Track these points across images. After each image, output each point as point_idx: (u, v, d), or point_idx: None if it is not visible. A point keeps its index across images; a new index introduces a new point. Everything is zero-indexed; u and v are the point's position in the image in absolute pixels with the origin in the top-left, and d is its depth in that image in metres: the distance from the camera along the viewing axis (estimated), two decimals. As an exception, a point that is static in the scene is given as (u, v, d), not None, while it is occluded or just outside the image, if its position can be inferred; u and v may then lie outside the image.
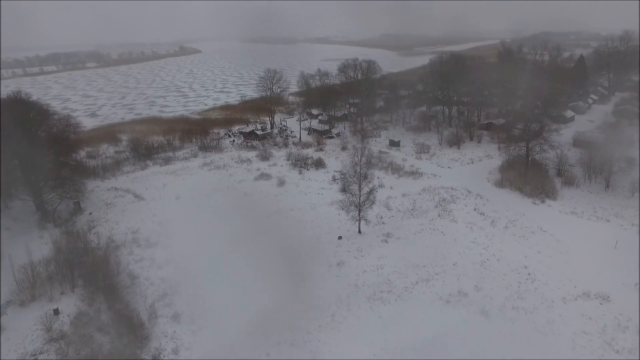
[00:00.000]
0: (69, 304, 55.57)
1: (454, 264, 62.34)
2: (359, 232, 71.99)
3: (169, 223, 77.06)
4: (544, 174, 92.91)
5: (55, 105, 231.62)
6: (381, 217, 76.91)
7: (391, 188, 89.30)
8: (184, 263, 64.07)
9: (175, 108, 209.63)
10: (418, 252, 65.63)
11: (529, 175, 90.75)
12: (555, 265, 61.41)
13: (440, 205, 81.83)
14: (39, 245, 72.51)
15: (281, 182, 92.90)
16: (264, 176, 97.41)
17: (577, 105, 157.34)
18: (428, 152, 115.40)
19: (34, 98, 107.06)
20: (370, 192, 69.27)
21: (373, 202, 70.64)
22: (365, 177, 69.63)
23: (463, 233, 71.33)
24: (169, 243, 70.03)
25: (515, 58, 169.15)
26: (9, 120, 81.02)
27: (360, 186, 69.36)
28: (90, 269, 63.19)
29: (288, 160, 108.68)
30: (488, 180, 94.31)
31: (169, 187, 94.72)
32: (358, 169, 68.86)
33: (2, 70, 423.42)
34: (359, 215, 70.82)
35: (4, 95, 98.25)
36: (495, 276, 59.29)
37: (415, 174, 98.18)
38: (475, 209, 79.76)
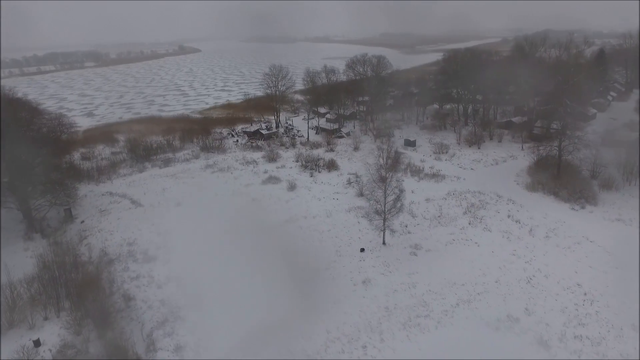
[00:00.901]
0: (52, 333, 47.56)
1: (496, 282, 54.35)
2: (384, 243, 64.02)
3: (169, 233, 69.05)
4: (578, 175, 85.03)
5: (51, 105, 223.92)
6: (406, 226, 68.92)
7: (412, 192, 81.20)
8: (187, 281, 56.02)
9: (175, 107, 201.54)
10: (453, 267, 57.67)
11: (563, 178, 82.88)
12: (613, 283, 53.47)
13: (470, 211, 73.86)
14: (23, 259, 64.58)
15: (292, 186, 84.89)
16: (273, 179, 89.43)
17: (598, 102, 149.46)
18: (447, 152, 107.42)
19: (22, 96, 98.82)
20: (398, 198, 61.17)
21: (400, 210, 62.53)
22: (390, 180, 61.46)
23: (500, 244, 63.36)
24: (169, 257, 61.99)
25: (527, 54, 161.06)
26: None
27: (385, 192, 61.33)
28: (78, 289, 55.28)
29: (297, 161, 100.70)
30: (517, 183, 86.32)
31: (169, 191, 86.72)
32: (383, 172, 60.76)
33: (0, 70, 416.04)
34: (384, 224, 62.84)
35: None
36: (547, 296, 51.31)
37: (436, 176, 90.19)
38: (509, 216, 71.76)
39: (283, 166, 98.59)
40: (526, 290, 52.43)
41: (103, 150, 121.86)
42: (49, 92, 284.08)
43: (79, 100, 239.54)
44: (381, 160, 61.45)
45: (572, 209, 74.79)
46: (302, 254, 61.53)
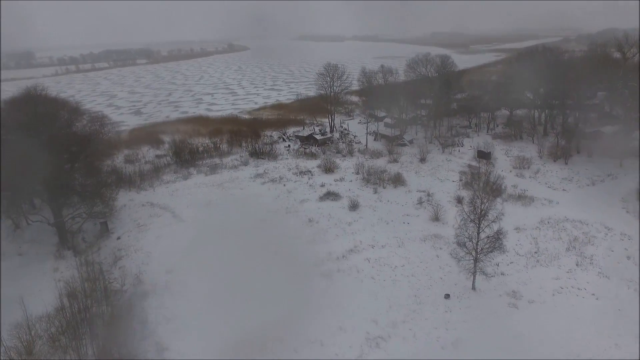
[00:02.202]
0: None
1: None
2: (473, 288, 51.62)
3: (214, 260, 59.19)
4: None
5: (101, 102, 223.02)
6: (497, 264, 56.05)
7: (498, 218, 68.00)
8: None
9: (223, 106, 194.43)
10: (569, 329, 44.61)
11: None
12: None
13: (574, 247, 60.11)
14: (50, 283, 56.48)
15: (354, 205, 73.45)
16: (331, 195, 78.34)
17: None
18: (529, 167, 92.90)
19: (55, 94, 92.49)
20: (497, 238, 48.53)
21: (495, 249, 49.78)
22: (486, 213, 48.90)
23: (627, 298, 49.59)
24: (211, 295, 51.91)
25: (624, 55, 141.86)
26: (21, 119, 65.78)
27: (479, 227, 48.91)
28: (106, 329, 46.32)
29: (358, 173, 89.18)
30: (627, 211, 71.33)
31: (214, 205, 77.23)
32: (479, 202, 48.28)
33: (56, 67, 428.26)
34: (475, 266, 50.45)
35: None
36: None
37: (523, 198, 76.30)
38: (628, 257, 57.57)
39: (342, 179, 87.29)
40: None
41: (147, 153, 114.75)
42: (100, 89, 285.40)
43: (128, 98, 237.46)
44: (475, 184, 48.99)
45: None
46: (373, 299, 50.03)
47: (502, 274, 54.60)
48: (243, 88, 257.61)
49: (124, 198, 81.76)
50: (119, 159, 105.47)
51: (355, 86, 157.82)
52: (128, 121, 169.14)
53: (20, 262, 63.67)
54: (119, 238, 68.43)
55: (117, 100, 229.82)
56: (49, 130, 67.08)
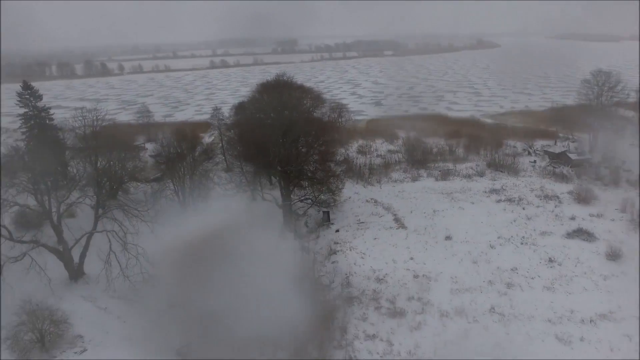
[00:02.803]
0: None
1: None
2: None
3: (431, 280, 53.05)
4: None
5: (345, 90, 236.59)
6: None
7: None
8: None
9: (464, 106, 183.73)
10: None
11: None
12: None
13: None
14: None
15: (614, 253, 57.25)
16: (583, 233, 63.11)
17: None
18: None
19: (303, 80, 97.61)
20: None
21: None
22: None
23: None
24: (424, 322, 45.85)
25: None
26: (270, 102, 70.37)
27: None
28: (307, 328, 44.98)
29: (624, 212, 70.56)
30: None
31: (439, 217, 70.39)
32: None
33: (313, 54, 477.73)
34: None
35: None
36: None
37: None
38: None
39: (600, 215, 70.04)
40: None
41: (381, 146, 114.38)
42: (347, 77, 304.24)
43: (371, 88, 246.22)
44: None
45: None
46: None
47: None
48: (489, 88, 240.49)
49: (350, 190, 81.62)
50: (352, 149, 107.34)
51: (633, 98, 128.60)
52: (367, 111, 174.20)
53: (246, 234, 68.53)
54: (337, 231, 67.98)
55: (360, 89, 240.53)
56: (291, 115, 70.11)
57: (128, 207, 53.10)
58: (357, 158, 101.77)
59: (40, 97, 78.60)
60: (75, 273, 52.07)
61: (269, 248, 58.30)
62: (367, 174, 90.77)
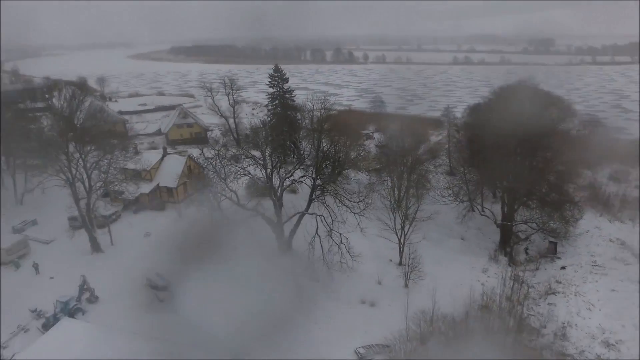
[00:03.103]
0: None
1: None
2: None
3: None
4: None
5: (608, 100, 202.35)
6: None
7: None
8: None
9: None
10: None
11: None
12: None
13: None
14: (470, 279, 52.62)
15: None
16: None
17: None
18: None
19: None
20: None
21: None
22: None
23: None
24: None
25: None
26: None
27: None
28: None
29: None
30: None
31: None
32: None
33: (571, 57, 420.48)
34: None
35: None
36: None
37: None
38: None
39: None
40: None
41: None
42: (612, 86, 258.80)
43: None
44: None
45: None
46: None
47: None
48: None
49: (589, 223, 67.63)
50: (602, 173, 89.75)
51: None
52: (633, 129, 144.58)
53: (460, 246, 63.11)
54: (563, 268, 57.28)
55: (628, 102, 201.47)
56: (531, 125, 60.93)
57: (340, 196, 53.78)
58: (606, 185, 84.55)
59: (286, 80, 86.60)
60: (285, 246, 55.49)
61: (474, 271, 52.78)
62: (617, 207, 74.45)
